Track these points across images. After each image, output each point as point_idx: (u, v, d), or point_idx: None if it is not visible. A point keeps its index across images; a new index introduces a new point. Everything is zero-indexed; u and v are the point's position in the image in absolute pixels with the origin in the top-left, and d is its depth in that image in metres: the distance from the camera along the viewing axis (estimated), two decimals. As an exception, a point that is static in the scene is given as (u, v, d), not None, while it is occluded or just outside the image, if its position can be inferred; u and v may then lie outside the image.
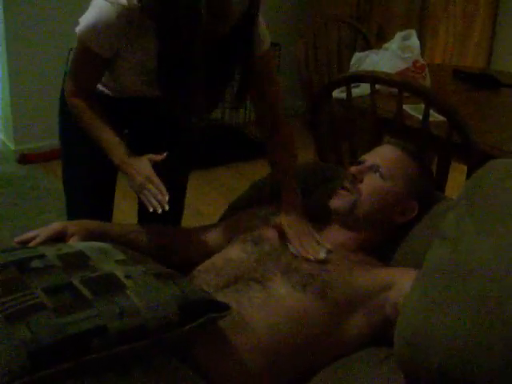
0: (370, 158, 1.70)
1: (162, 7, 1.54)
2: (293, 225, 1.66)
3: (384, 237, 1.67)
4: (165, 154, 1.63)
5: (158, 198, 1.56)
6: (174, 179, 2.08)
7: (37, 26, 3.87)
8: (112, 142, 1.71)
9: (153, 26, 1.59)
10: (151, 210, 1.56)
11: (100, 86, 1.85)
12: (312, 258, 1.54)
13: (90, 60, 1.68)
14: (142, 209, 2.14)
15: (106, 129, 1.72)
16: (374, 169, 1.66)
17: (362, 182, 1.65)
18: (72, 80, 1.75)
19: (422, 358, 1.24)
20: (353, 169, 1.67)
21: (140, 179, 1.61)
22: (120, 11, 1.57)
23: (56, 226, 1.55)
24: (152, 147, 2.03)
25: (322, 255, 1.55)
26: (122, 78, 1.79)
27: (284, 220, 1.68)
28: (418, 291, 1.33)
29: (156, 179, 1.59)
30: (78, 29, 1.64)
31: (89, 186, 1.96)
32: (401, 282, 1.48)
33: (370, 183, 1.65)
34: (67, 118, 1.85)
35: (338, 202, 1.66)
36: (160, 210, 1.55)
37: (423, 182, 1.70)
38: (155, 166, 1.65)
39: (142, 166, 1.63)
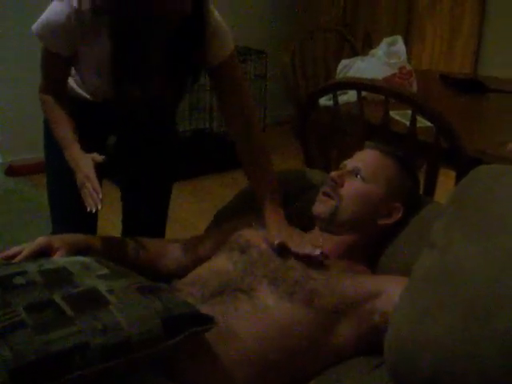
0: (351, 163, 1.69)
1: (116, 7, 1.58)
2: (290, 236, 1.63)
3: (370, 241, 1.65)
4: (104, 157, 1.65)
5: (93, 197, 1.57)
6: (157, 189, 2.10)
7: (23, 39, 3.85)
8: (66, 137, 1.74)
9: (106, 25, 1.62)
10: (88, 209, 1.57)
11: (78, 89, 1.87)
12: (310, 252, 1.54)
13: (50, 58, 1.73)
14: (127, 220, 2.16)
15: (65, 125, 1.76)
16: (354, 172, 1.65)
17: (342, 186, 1.64)
18: (41, 77, 1.81)
19: (413, 367, 1.23)
20: (333, 174, 1.66)
21: (80, 177, 1.63)
22: (70, 12, 1.61)
23: (40, 240, 1.53)
24: (138, 156, 2.04)
25: (317, 252, 1.54)
26: (87, 80, 1.82)
27: (278, 235, 1.64)
28: (406, 300, 1.32)
29: (93, 178, 1.60)
30: (33, 27, 1.69)
31: (73, 198, 1.95)
32: (390, 290, 1.46)
33: (351, 187, 1.63)
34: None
35: (320, 207, 1.64)
36: (94, 210, 1.56)
37: (406, 182, 1.68)
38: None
39: (84, 164, 1.64)
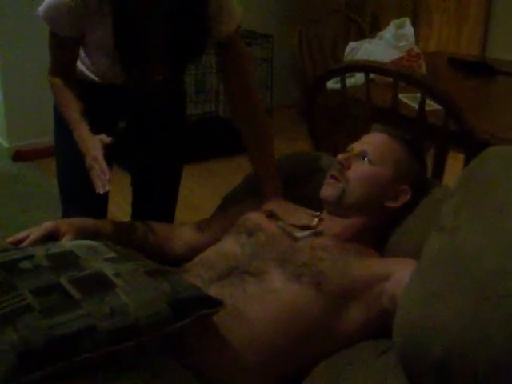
0: (358, 146, 1.68)
1: None
2: (280, 206, 1.72)
3: (378, 224, 1.64)
4: (111, 138, 1.66)
5: (101, 178, 1.57)
6: (167, 172, 2.09)
7: (29, 23, 3.84)
8: (75, 119, 1.75)
9: (109, 3, 1.62)
10: (97, 190, 1.57)
11: (88, 72, 1.88)
12: (306, 223, 1.63)
13: (57, 40, 1.73)
14: (137, 204, 2.16)
15: (74, 106, 1.76)
16: (361, 155, 1.64)
17: (349, 168, 1.63)
18: (50, 59, 1.81)
19: (422, 351, 1.23)
20: (340, 157, 1.65)
21: (89, 159, 1.63)
22: None
23: (48, 225, 1.53)
24: (148, 140, 2.03)
25: (315, 221, 1.63)
26: (95, 61, 1.82)
27: (271, 204, 1.72)
28: (416, 283, 1.31)
29: (101, 160, 1.60)
30: (39, 9, 1.68)
31: (82, 182, 1.95)
32: (398, 273, 1.46)
33: (358, 169, 1.62)
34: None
35: (327, 191, 1.64)
36: (102, 191, 1.56)
37: (413, 164, 1.67)
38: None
39: (92, 146, 1.65)
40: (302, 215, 1.66)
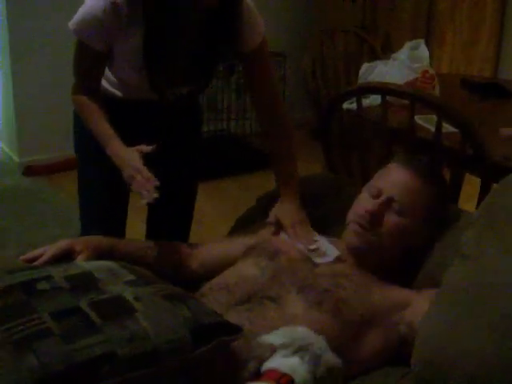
0: (385, 188, 1.59)
1: None
2: (289, 215, 1.72)
3: (401, 258, 1.62)
4: (154, 146, 1.64)
5: (147, 188, 1.55)
6: (183, 189, 2.08)
7: (42, 36, 3.86)
8: (106, 134, 1.73)
9: (140, 15, 1.63)
10: (144, 201, 1.55)
11: (111, 88, 1.87)
12: (302, 246, 1.62)
13: (86, 53, 1.73)
14: (151, 222, 2.14)
15: (103, 122, 1.75)
16: (390, 201, 1.57)
17: (381, 224, 1.56)
18: (75, 76, 1.80)
19: (441, 378, 1.21)
20: (370, 208, 1.57)
21: (129, 171, 1.61)
22: (107, 5, 1.62)
23: (62, 243, 1.52)
24: (166, 157, 2.03)
25: (313, 246, 1.62)
26: (123, 76, 1.82)
27: (280, 210, 1.74)
28: (436, 311, 1.30)
29: (143, 169, 1.59)
30: (70, 23, 1.69)
31: (102, 203, 1.96)
32: (417, 301, 1.46)
33: (390, 223, 1.56)
34: (82, 129, 1.84)
35: (356, 240, 1.58)
36: (150, 201, 1.54)
37: (440, 206, 1.64)
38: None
39: (131, 158, 1.63)
40: (305, 235, 1.67)
